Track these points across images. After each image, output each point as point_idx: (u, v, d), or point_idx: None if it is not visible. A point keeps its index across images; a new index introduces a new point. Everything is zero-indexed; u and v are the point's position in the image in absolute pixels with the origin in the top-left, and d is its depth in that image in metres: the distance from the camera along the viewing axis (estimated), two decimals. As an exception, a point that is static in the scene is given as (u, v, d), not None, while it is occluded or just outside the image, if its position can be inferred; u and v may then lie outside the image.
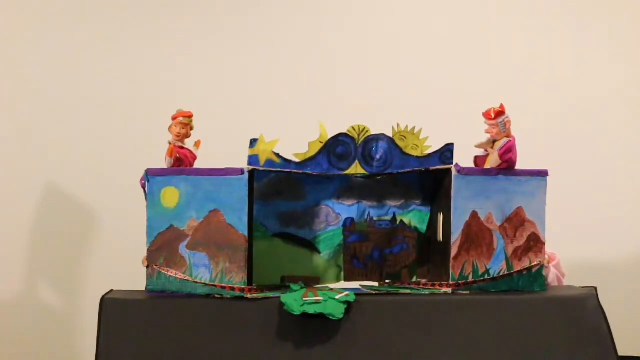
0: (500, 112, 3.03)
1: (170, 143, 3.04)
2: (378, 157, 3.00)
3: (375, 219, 3.20)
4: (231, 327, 2.83)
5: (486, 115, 3.04)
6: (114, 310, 2.88)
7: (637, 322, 4.41)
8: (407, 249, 3.21)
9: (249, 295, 2.84)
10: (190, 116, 3.05)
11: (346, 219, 3.18)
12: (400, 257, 3.21)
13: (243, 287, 2.84)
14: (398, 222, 3.20)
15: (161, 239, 2.95)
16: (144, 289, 3.03)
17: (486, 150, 3.08)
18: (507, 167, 3.04)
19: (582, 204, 4.44)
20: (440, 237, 3.06)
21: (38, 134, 4.37)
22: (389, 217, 3.20)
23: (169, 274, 2.93)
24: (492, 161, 3.05)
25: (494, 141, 3.08)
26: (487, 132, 3.05)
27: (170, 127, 3.05)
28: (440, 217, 3.07)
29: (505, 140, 3.05)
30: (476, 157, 3.12)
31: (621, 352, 2.99)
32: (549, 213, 3.11)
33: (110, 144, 4.37)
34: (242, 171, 2.84)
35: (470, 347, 2.88)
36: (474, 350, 2.88)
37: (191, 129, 3.06)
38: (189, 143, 3.07)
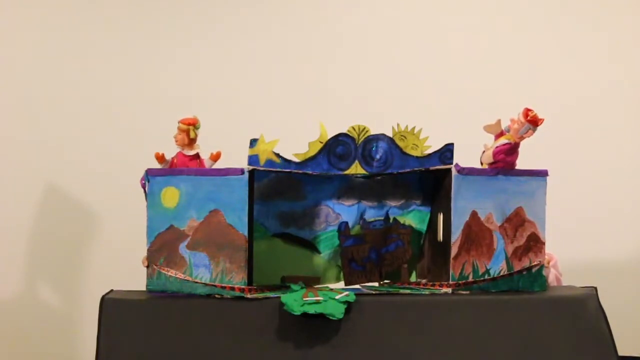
0: (535, 122, 3.00)
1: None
2: (378, 157, 3.00)
3: (369, 220, 3.19)
4: (231, 327, 2.83)
5: (525, 112, 3.01)
6: (114, 310, 2.88)
7: (637, 322, 4.41)
8: (402, 245, 3.20)
9: (249, 295, 2.84)
10: (187, 123, 3.04)
11: (341, 223, 3.17)
12: (397, 255, 3.21)
13: (243, 287, 2.84)
14: (391, 220, 3.20)
15: (161, 239, 2.95)
16: (144, 289, 3.03)
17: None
18: (502, 167, 3.04)
19: (582, 204, 4.44)
20: (440, 237, 3.06)
21: (38, 134, 4.37)
22: (382, 217, 3.20)
23: (169, 274, 2.93)
24: (485, 157, 3.06)
25: (501, 134, 3.08)
26: (511, 120, 3.03)
27: None
28: (440, 217, 3.07)
29: (505, 141, 3.05)
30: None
31: (621, 352, 2.99)
32: (549, 213, 3.11)
33: (110, 144, 4.37)
34: (242, 171, 2.84)
35: (470, 347, 2.88)
36: (474, 350, 2.87)
37: (190, 136, 3.04)
38: (206, 152, 3.07)
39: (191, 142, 3.05)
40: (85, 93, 4.41)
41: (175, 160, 3.04)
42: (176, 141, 3.05)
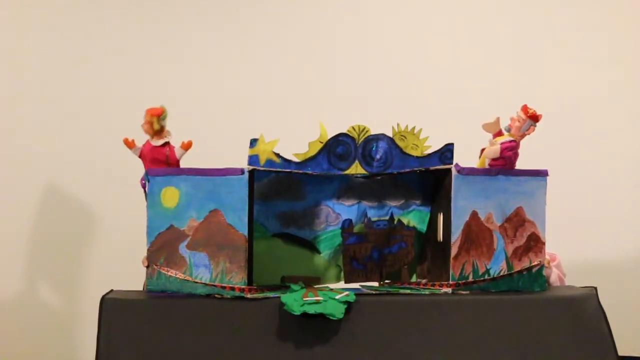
0: (535, 117, 3.02)
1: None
2: (378, 157, 3.00)
3: (373, 219, 3.19)
4: (231, 327, 2.83)
5: (525, 108, 3.03)
6: (114, 310, 2.88)
7: (637, 322, 4.41)
8: (405, 247, 3.21)
9: (249, 295, 2.84)
10: (151, 115, 3.04)
11: (344, 220, 3.18)
12: (399, 256, 3.21)
13: (243, 287, 2.84)
14: (396, 222, 3.20)
15: (161, 239, 2.95)
16: (143, 288, 3.03)
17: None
18: (503, 164, 3.04)
19: (582, 204, 4.44)
20: (440, 237, 3.06)
21: (38, 134, 4.37)
22: (387, 217, 3.20)
23: (169, 274, 2.93)
24: (491, 152, 3.05)
25: (500, 133, 3.09)
26: (511, 119, 3.04)
27: None
28: (440, 217, 3.07)
29: (510, 138, 3.05)
30: (483, 150, 3.12)
31: (621, 352, 2.99)
32: (549, 213, 3.11)
33: (110, 144, 4.36)
34: (242, 171, 2.84)
35: (470, 347, 2.88)
36: (474, 350, 2.87)
37: (154, 127, 3.02)
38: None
39: (156, 132, 3.05)
40: (85, 92, 4.40)
41: (143, 149, 3.05)
42: (143, 130, 3.06)
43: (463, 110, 4.38)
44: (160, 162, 3.01)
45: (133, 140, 3.04)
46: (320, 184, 3.14)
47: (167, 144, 3.04)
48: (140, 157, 3.04)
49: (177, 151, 3.04)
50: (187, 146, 3.04)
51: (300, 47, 4.50)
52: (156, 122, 3.03)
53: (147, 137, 3.07)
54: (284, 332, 2.83)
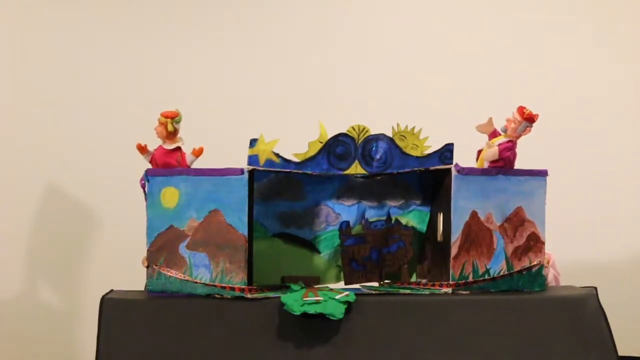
0: (531, 118, 3.01)
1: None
2: (378, 157, 3.00)
3: (371, 220, 3.19)
4: (231, 327, 2.83)
5: (520, 109, 3.02)
6: (114, 310, 2.88)
7: (637, 322, 4.41)
8: (404, 246, 3.20)
9: (249, 295, 2.84)
10: (166, 116, 3.02)
11: (342, 222, 3.17)
12: (398, 256, 3.21)
13: (243, 287, 2.84)
14: (393, 221, 3.20)
15: (161, 239, 2.95)
16: (143, 289, 3.03)
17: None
18: (503, 165, 3.04)
19: (582, 204, 4.44)
20: (440, 237, 3.06)
21: (38, 134, 4.37)
22: (385, 217, 3.20)
23: (169, 274, 2.93)
24: (490, 154, 3.05)
25: (495, 134, 3.09)
26: (507, 120, 3.04)
27: None
28: (440, 217, 3.06)
29: (506, 139, 3.05)
30: (480, 152, 3.12)
31: (621, 352, 2.99)
32: (548, 213, 3.11)
33: (110, 145, 4.37)
34: (242, 171, 2.84)
35: (470, 347, 2.88)
36: (474, 350, 2.87)
37: (168, 129, 3.01)
38: (207, 153, 3.05)
39: (170, 135, 3.02)
40: (85, 92, 4.41)
41: (154, 154, 3.03)
42: (156, 133, 3.04)
43: (463, 110, 4.38)
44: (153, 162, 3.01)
45: (145, 146, 3.02)
46: (320, 184, 3.13)
47: (178, 149, 3.03)
48: (150, 162, 3.03)
49: (188, 157, 3.03)
50: (198, 152, 3.03)
51: (300, 48, 4.50)
52: (170, 124, 3.01)
53: (158, 142, 3.05)
54: (284, 332, 2.83)
